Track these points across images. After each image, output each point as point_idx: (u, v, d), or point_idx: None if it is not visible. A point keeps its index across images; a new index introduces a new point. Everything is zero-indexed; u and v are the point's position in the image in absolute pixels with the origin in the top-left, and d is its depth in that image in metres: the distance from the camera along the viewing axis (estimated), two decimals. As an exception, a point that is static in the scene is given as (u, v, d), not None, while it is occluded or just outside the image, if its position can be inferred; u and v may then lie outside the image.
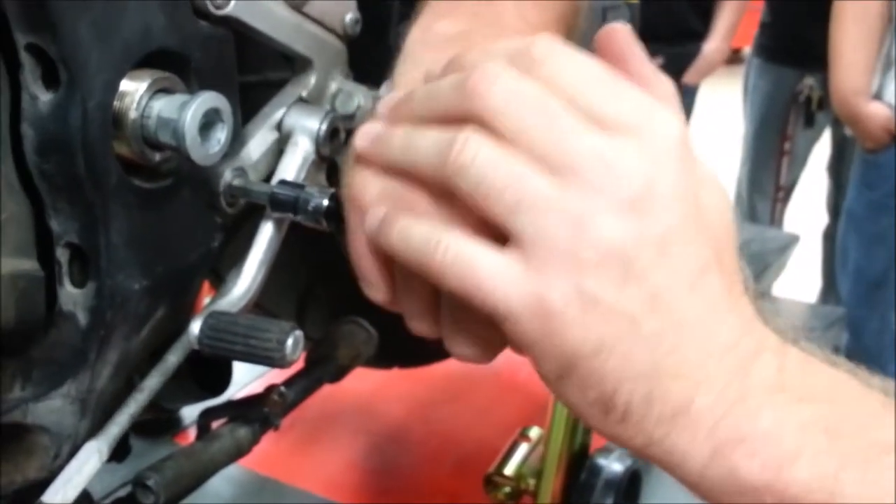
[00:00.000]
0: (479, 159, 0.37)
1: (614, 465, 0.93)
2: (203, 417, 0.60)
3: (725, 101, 3.59)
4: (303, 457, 1.11)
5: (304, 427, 1.15)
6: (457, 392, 1.24)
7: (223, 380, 0.65)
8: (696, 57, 2.59)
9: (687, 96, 2.68)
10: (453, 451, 1.12)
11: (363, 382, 1.23)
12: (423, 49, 0.50)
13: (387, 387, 1.22)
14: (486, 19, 0.51)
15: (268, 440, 1.12)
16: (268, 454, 1.10)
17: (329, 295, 0.87)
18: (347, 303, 0.86)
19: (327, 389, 1.20)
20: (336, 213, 0.49)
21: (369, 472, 1.08)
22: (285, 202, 0.50)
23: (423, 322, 0.44)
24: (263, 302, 0.91)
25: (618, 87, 0.38)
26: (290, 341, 0.47)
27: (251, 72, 0.57)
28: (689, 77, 2.61)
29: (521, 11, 0.53)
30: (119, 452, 0.56)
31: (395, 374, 1.11)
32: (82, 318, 0.45)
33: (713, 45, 2.59)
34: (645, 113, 0.38)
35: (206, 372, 0.62)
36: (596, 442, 0.97)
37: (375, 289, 0.45)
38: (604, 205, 0.36)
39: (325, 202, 0.49)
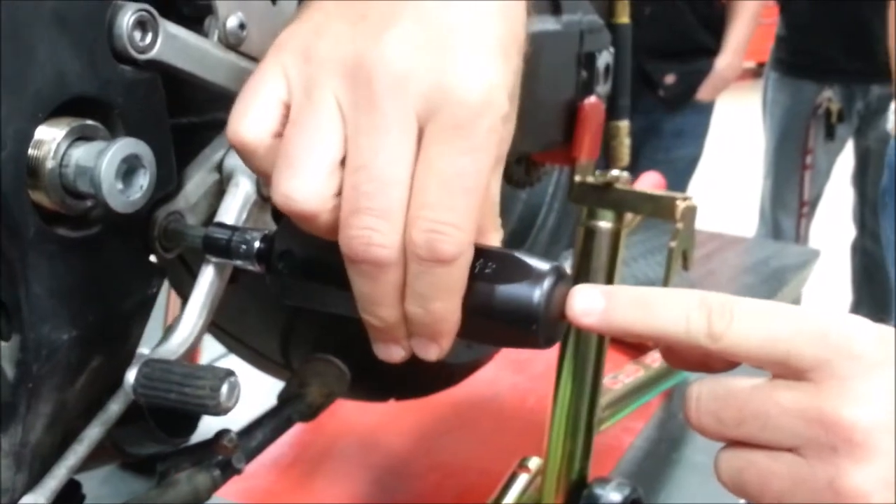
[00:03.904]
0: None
1: (612, 495, 0.91)
2: (160, 464, 0.59)
3: (748, 115, 3.56)
4: (306, 492, 1.10)
5: (306, 463, 1.15)
6: (460, 422, 1.22)
7: (188, 424, 0.64)
8: (707, 73, 2.56)
9: (702, 114, 2.65)
10: (455, 482, 1.10)
11: (365, 416, 1.22)
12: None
13: (389, 419, 1.21)
14: None
15: (270, 476, 1.12)
16: (271, 490, 1.09)
17: (311, 330, 0.86)
18: (330, 337, 0.85)
19: (329, 424, 1.20)
20: (268, 256, 0.48)
21: (371, 507, 1.07)
22: (218, 246, 0.49)
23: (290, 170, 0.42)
24: (247, 339, 0.91)
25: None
26: (224, 388, 0.46)
27: (195, 113, 0.57)
28: (702, 94, 2.58)
29: None
30: (72, 502, 0.55)
31: (398, 406, 1.10)
32: (9, 371, 0.45)
33: (725, 60, 2.55)
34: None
35: (170, 416, 0.61)
36: (594, 471, 0.95)
37: (253, 122, 0.44)
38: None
39: (257, 244, 0.48)
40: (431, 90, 0.41)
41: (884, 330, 0.42)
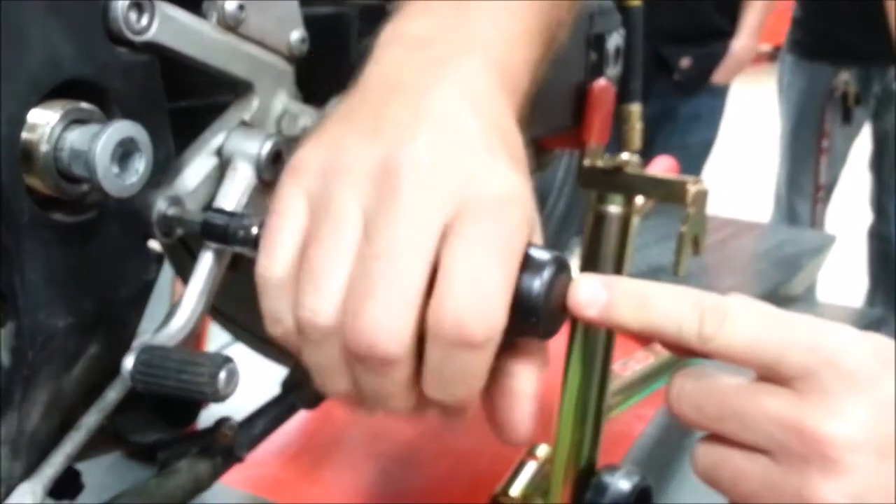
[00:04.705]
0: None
1: (621, 483, 0.90)
2: (161, 452, 0.59)
3: (765, 100, 3.53)
4: (313, 481, 1.09)
5: (314, 451, 1.14)
6: (469, 410, 1.21)
7: (190, 412, 0.63)
8: (723, 56, 2.54)
9: (717, 97, 2.63)
10: (465, 470, 1.09)
11: (374, 403, 1.21)
12: (387, 48, 0.49)
13: (398, 407, 1.21)
14: (455, 24, 0.49)
15: (277, 465, 1.11)
16: (278, 479, 1.09)
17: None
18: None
19: (337, 412, 1.19)
20: None
21: (380, 496, 1.07)
22: (216, 231, 0.48)
23: (318, 290, 0.42)
24: (254, 328, 0.90)
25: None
26: (222, 375, 0.46)
27: (197, 96, 0.56)
28: (717, 77, 2.56)
29: (495, 20, 0.50)
30: (71, 490, 0.55)
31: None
32: (4, 358, 0.44)
33: (740, 43, 2.53)
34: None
35: (172, 404, 0.61)
36: (604, 459, 0.94)
37: (276, 255, 0.44)
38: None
39: (255, 230, 0.47)
40: (460, 189, 0.41)
41: (880, 344, 0.42)
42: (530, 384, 0.44)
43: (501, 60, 0.48)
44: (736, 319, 0.42)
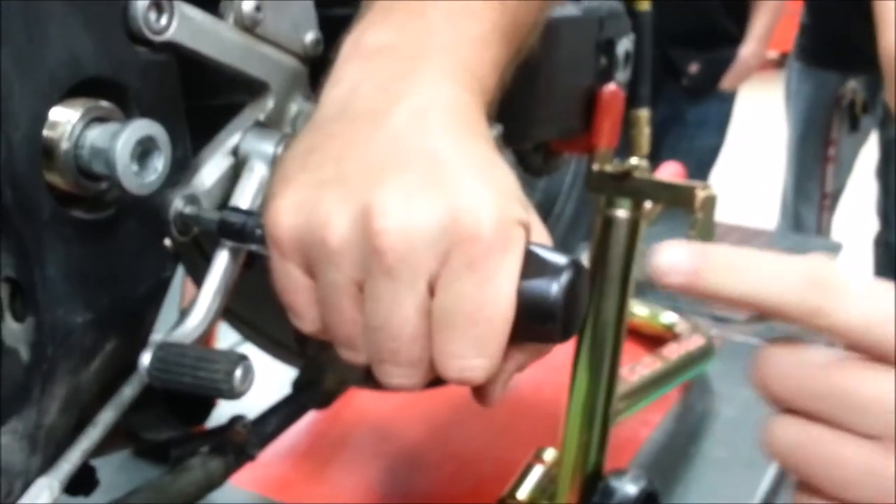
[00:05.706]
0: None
1: (627, 488, 0.90)
2: (175, 449, 0.59)
3: (772, 107, 3.53)
4: (321, 482, 1.09)
5: (322, 452, 1.14)
6: (475, 412, 1.20)
7: (203, 410, 0.64)
8: (732, 62, 2.54)
9: (725, 103, 2.62)
10: (471, 473, 1.10)
11: (381, 405, 1.22)
12: (346, 63, 0.48)
13: (405, 408, 1.21)
14: (414, 30, 0.49)
15: (285, 465, 1.11)
16: (286, 479, 1.09)
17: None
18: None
19: (345, 414, 1.19)
20: None
21: (386, 497, 1.07)
22: (233, 230, 0.49)
23: (350, 351, 0.44)
24: (264, 327, 0.91)
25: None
26: (238, 372, 0.46)
27: (214, 96, 0.57)
28: (725, 83, 2.55)
29: (456, 23, 0.49)
30: (85, 486, 0.55)
31: (413, 395, 1.10)
32: (24, 353, 0.45)
33: (749, 48, 2.52)
34: None
35: (185, 402, 0.61)
36: (611, 463, 0.94)
37: (304, 320, 0.45)
38: None
39: (272, 229, 0.47)
40: (439, 236, 0.41)
41: None
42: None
43: (466, 63, 0.48)
44: (854, 295, 0.38)
